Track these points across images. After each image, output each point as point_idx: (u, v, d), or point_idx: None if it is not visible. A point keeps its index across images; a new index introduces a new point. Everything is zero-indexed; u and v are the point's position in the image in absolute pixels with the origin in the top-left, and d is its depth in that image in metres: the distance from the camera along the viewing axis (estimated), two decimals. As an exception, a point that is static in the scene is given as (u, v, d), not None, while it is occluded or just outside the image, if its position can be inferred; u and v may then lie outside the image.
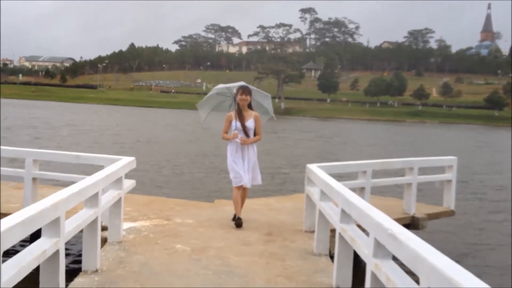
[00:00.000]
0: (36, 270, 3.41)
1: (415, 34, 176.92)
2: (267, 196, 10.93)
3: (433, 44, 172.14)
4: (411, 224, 7.77)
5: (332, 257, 5.17)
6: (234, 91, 6.88)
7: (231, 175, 6.71)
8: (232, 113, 6.78)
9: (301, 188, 8.94)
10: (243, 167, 6.63)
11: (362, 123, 75.80)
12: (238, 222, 6.60)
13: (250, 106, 6.82)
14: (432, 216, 8.33)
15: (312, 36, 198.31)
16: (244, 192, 6.79)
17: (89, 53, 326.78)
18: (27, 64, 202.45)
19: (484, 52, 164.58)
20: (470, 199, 14.53)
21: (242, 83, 6.93)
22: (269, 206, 8.39)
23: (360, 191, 7.12)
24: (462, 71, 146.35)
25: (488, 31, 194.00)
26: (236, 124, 6.66)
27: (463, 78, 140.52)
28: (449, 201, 8.59)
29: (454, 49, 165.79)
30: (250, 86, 6.85)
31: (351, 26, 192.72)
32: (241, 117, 6.67)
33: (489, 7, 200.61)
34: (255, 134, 6.77)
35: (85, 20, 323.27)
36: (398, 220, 4.16)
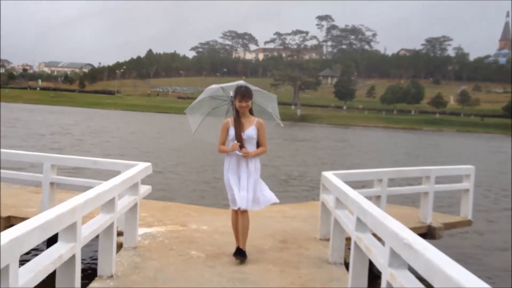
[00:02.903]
0: (53, 274, 3.45)
1: (432, 42, 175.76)
2: (281, 203, 10.93)
3: (450, 52, 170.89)
4: (428, 233, 7.69)
5: (347, 265, 5.14)
6: (231, 93, 5.56)
7: (228, 195, 5.48)
8: (230, 120, 5.52)
9: (315, 195, 8.94)
10: (238, 186, 5.35)
11: (378, 131, 75.37)
12: (238, 255, 5.43)
13: (250, 111, 5.53)
14: (448, 226, 8.24)
15: (329, 43, 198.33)
16: (243, 217, 5.43)
17: (107, 59, 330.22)
18: (46, 69, 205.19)
19: (502, 60, 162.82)
20: (488, 209, 14.35)
21: (240, 82, 5.61)
22: (284, 213, 8.37)
23: (376, 199, 7.08)
24: (480, 79, 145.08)
25: (506, 39, 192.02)
26: (233, 132, 5.45)
27: (481, 86, 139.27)
28: (466, 211, 8.49)
29: (472, 57, 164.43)
30: (251, 86, 5.54)
31: (368, 33, 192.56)
32: (238, 125, 5.40)
33: (507, 15, 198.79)
34: (258, 145, 5.51)
35: (105, 27, 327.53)
36: (414, 229, 4.12)
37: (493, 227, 12.16)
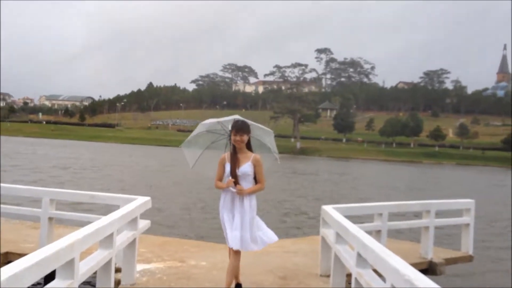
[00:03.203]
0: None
1: (430, 75, 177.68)
2: (282, 238, 10.85)
3: (448, 85, 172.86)
4: (429, 269, 7.61)
5: (348, 302, 5.07)
6: (229, 127, 5.42)
7: (224, 232, 5.27)
8: (226, 155, 5.35)
9: (316, 230, 8.88)
10: (232, 224, 5.15)
11: (378, 164, 75.36)
12: None
13: (249, 146, 5.37)
14: (450, 261, 8.16)
15: (328, 76, 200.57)
16: (235, 257, 5.19)
17: (108, 92, 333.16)
18: (47, 103, 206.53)
19: (500, 93, 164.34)
20: (489, 244, 14.24)
21: (236, 116, 5.48)
22: (284, 248, 8.29)
23: (376, 233, 7.03)
24: (478, 112, 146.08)
25: (504, 72, 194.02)
26: (229, 168, 5.27)
27: (479, 119, 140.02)
28: (467, 246, 8.42)
29: (470, 90, 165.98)
30: (248, 121, 5.37)
31: (366, 66, 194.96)
32: (233, 160, 5.23)
33: (504, 48, 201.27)
34: (256, 182, 5.31)
35: (106, 61, 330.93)
36: (415, 265, 4.09)
37: (495, 263, 12.04)
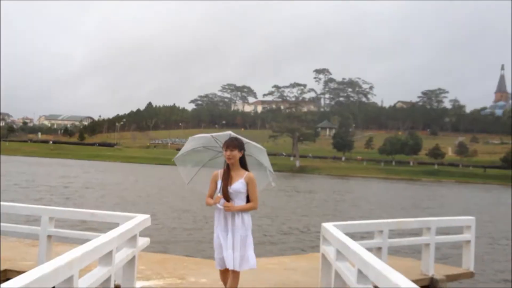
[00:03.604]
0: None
1: (428, 94, 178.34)
2: (282, 255, 10.81)
3: (447, 104, 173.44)
4: (430, 285, 7.57)
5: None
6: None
7: (215, 253, 5.15)
8: (219, 172, 5.25)
9: (316, 248, 8.84)
10: (225, 243, 5.02)
11: (378, 182, 75.26)
12: None
13: (243, 164, 5.23)
14: (451, 278, 8.12)
15: (327, 95, 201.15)
16: (233, 276, 5.08)
17: (108, 112, 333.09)
18: (46, 122, 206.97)
19: (499, 112, 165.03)
20: (491, 260, 14.17)
21: (229, 132, 5.32)
22: (284, 265, 8.24)
23: (377, 251, 6.99)
24: (477, 131, 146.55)
25: (502, 91, 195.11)
26: (220, 186, 5.16)
27: (478, 137, 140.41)
28: (468, 262, 8.38)
29: (468, 109, 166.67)
30: (243, 139, 5.25)
31: (365, 86, 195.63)
32: (225, 177, 5.12)
33: (502, 67, 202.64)
34: (248, 201, 5.16)
35: (106, 82, 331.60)
36: (416, 281, 4.06)
37: (496, 281, 11.98)
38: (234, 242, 4.98)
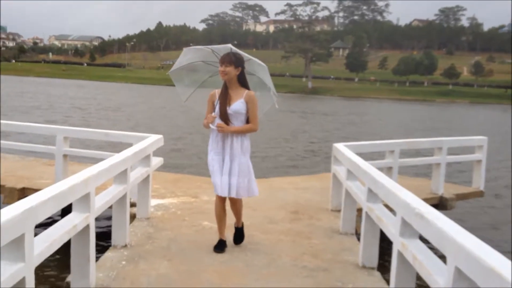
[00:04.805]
0: (68, 244, 3.50)
1: (446, 12, 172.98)
2: (293, 175, 10.98)
3: (464, 22, 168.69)
4: (439, 204, 7.69)
5: (358, 236, 5.17)
6: None
7: (211, 178, 4.74)
8: (217, 91, 4.76)
9: (327, 167, 8.95)
10: (220, 169, 4.63)
11: (390, 103, 74.75)
12: (219, 249, 4.82)
13: (243, 82, 4.72)
14: (460, 197, 8.23)
15: (341, 14, 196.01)
16: (235, 203, 4.84)
17: (117, 32, 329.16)
18: (56, 43, 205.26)
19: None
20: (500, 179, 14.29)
21: (229, 46, 4.74)
22: (296, 185, 8.39)
23: (387, 171, 7.06)
24: (494, 50, 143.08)
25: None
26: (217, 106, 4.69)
27: (495, 57, 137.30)
28: (479, 182, 8.47)
29: (486, 27, 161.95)
30: (245, 55, 4.72)
31: (380, 3, 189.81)
32: (223, 97, 4.65)
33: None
34: (247, 122, 4.71)
35: (115, 1, 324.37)
36: (426, 200, 4.11)
37: (505, 199, 12.12)
38: (232, 168, 4.60)
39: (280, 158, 16.77)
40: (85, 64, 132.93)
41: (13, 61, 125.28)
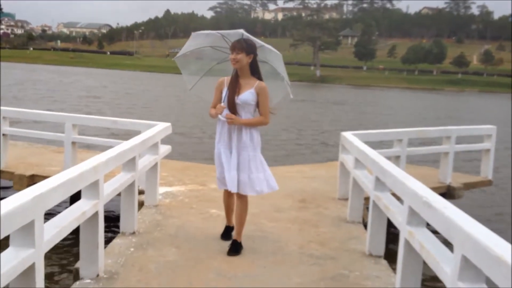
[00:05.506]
0: (77, 230, 3.54)
1: (456, 0, 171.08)
2: (301, 164, 10.98)
3: (474, 10, 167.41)
4: (447, 193, 7.68)
5: (365, 224, 5.18)
6: None
7: (216, 172, 4.55)
8: (226, 79, 4.47)
9: (335, 156, 8.94)
10: (228, 163, 4.36)
11: (399, 92, 74.30)
12: (225, 237, 4.76)
13: (255, 71, 4.43)
14: (468, 186, 8.21)
15: (350, 1, 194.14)
16: (241, 201, 4.50)
17: (125, 20, 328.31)
18: (65, 30, 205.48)
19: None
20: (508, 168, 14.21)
21: (241, 31, 4.43)
22: (303, 173, 8.40)
23: (395, 159, 7.05)
24: (504, 39, 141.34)
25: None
26: (225, 95, 4.41)
27: (505, 45, 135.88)
28: (487, 171, 8.43)
29: (496, 16, 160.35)
30: (257, 41, 4.42)
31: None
32: (233, 86, 4.37)
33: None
34: (259, 114, 4.43)
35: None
36: (433, 189, 4.10)
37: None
38: (240, 162, 4.34)
39: (289, 146, 16.78)
40: (106, 52, 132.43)
41: (31, 48, 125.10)
